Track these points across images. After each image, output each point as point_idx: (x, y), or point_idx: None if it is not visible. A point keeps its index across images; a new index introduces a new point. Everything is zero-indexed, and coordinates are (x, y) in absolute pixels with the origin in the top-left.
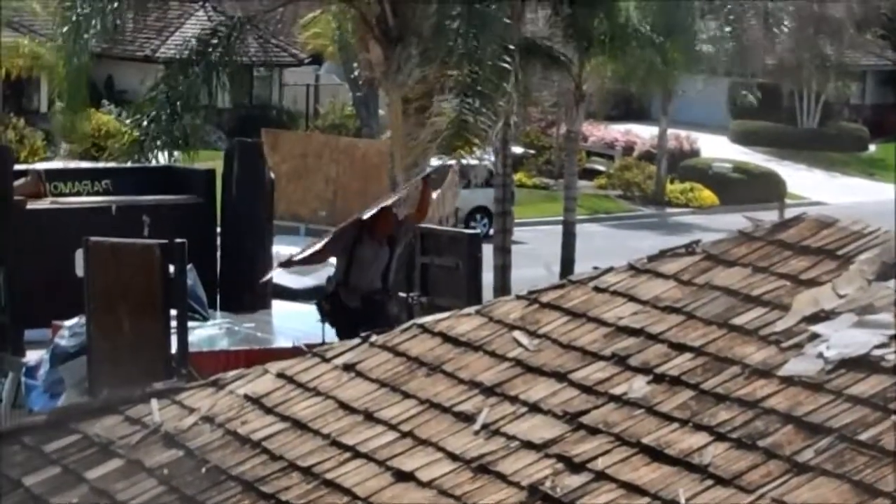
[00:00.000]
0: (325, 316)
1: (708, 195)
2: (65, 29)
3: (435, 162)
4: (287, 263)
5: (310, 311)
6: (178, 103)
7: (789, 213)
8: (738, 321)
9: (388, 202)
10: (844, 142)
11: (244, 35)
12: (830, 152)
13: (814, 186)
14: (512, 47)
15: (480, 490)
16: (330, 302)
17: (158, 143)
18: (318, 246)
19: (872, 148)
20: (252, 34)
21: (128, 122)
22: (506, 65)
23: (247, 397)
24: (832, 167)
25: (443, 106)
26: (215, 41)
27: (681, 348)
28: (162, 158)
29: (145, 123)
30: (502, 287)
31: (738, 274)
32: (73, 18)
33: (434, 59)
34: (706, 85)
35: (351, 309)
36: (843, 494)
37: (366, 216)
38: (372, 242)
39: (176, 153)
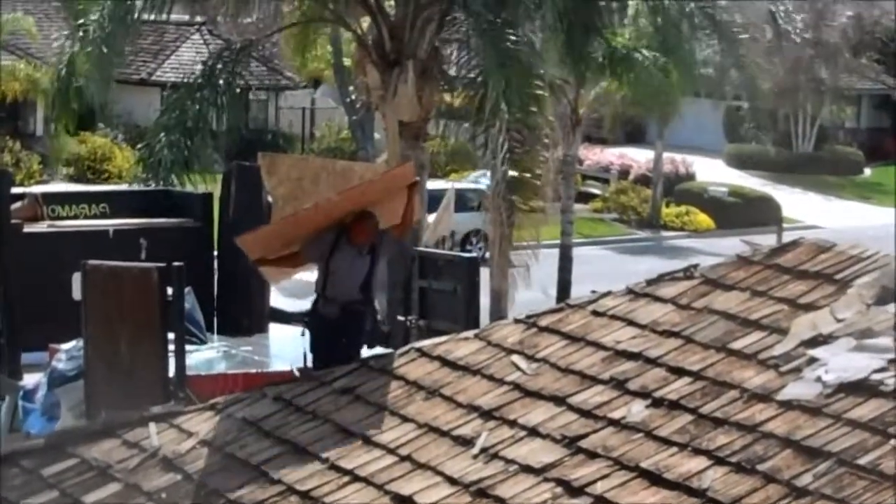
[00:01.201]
0: (305, 327)
1: (703, 219)
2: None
3: (431, 185)
4: (260, 262)
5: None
6: (189, 127)
7: (785, 237)
8: (736, 345)
9: (369, 207)
10: (840, 166)
11: (248, 59)
12: (826, 176)
13: (809, 210)
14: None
15: None
16: (309, 312)
17: (170, 166)
18: (296, 248)
19: (868, 172)
20: (249, 58)
21: (124, 145)
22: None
23: (245, 421)
24: (828, 191)
25: (441, 131)
26: (220, 66)
27: (679, 372)
28: (174, 181)
29: (157, 147)
30: (499, 311)
31: (736, 298)
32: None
33: (431, 83)
34: (702, 108)
35: (329, 319)
36: None
37: (347, 219)
38: (350, 249)
39: (187, 176)
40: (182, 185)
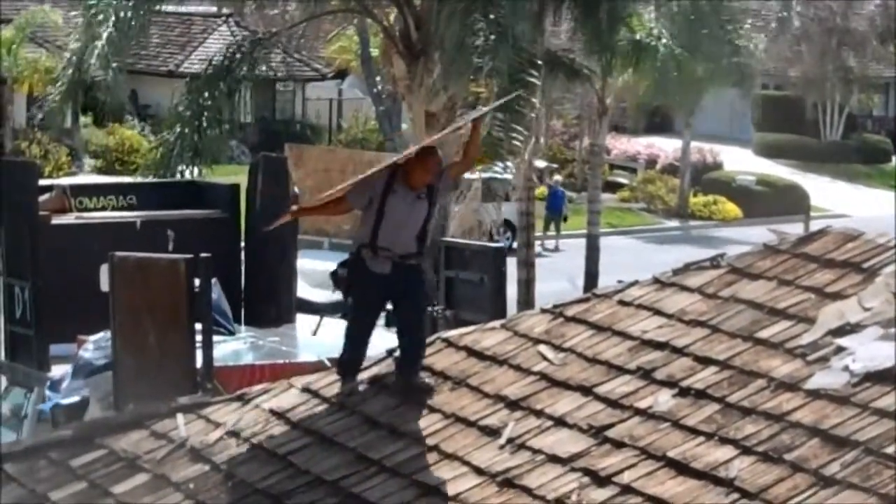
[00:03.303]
0: (342, 286)
1: (731, 208)
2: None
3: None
4: (297, 212)
5: (335, 324)
6: (203, 118)
7: (813, 226)
8: (763, 334)
9: (429, 142)
10: (868, 154)
11: (268, 50)
12: (854, 164)
13: (837, 199)
14: (538, 61)
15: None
16: (351, 268)
17: (184, 157)
18: (337, 191)
19: None
20: (275, 49)
21: (153, 137)
22: (532, 79)
23: (272, 412)
24: (856, 179)
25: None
26: (239, 56)
27: (706, 362)
28: (187, 173)
29: (171, 138)
30: (526, 301)
31: (763, 287)
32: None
33: (458, 73)
34: (730, 97)
35: (378, 276)
36: None
37: (401, 159)
38: (408, 193)
39: (200, 168)
40: (192, 176)
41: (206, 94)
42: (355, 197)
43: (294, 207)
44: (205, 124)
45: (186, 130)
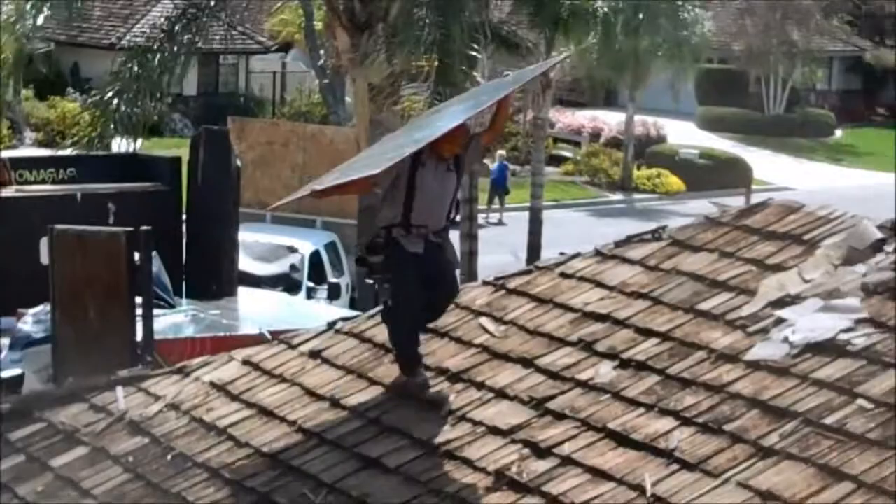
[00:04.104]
0: (376, 273)
1: (675, 181)
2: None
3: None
4: (319, 193)
5: (276, 297)
6: (139, 89)
7: (756, 199)
8: (704, 306)
9: (476, 115)
10: (811, 128)
11: (209, 21)
12: (797, 138)
13: (780, 172)
14: (480, 35)
15: (447, 476)
16: (385, 252)
17: (119, 129)
18: (358, 173)
19: (839, 134)
20: (218, 21)
21: (89, 108)
22: (475, 53)
23: (212, 384)
24: (798, 153)
25: (413, 97)
26: (178, 27)
27: (647, 333)
28: (123, 145)
29: (107, 109)
30: (469, 273)
31: (704, 259)
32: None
33: (401, 47)
34: (674, 71)
35: (412, 256)
36: (808, 478)
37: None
38: (438, 165)
39: (138, 140)
40: (129, 149)
41: (144, 65)
42: (383, 174)
43: (316, 188)
44: (141, 96)
45: (122, 101)
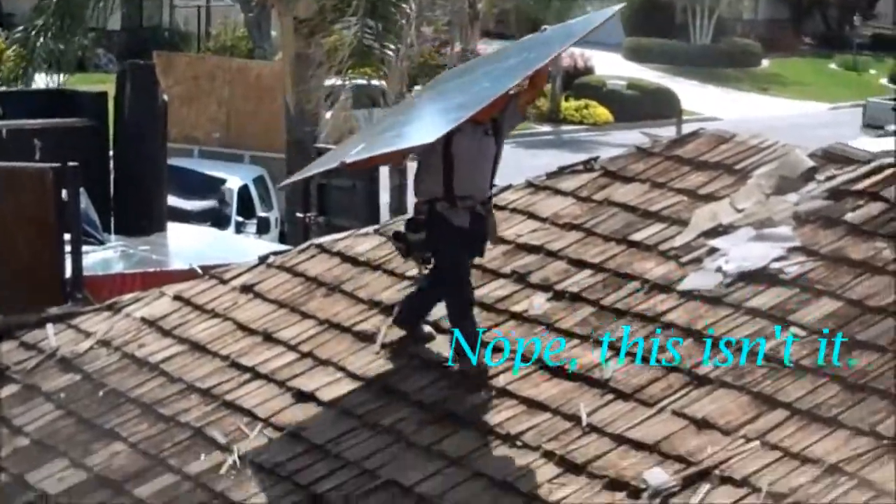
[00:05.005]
0: (413, 248)
1: (602, 112)
2: None
3: (329, 82)
4: (345, 166)
5: (206, 232)
6: (62, 24)
7: (684, 129)
8: (637, 237)
9: (524, 79)
10: (737, 58)
11: None
12: (724, 68)
13: (707, 102)
14: None
15: (382, 409)
16: (430, 228)
17: (43, 65)
18: (390, 146)
19: (765, 63)
20: None
21: (13, 45)
22: None
23: (144, 320)
24: (725, 83)
25: (343, 33)
26: None
27: (580, 265)
28: (47, 80)
29: (31, 45)
30: (399, 207)
31: (636, 190)
32: None
33: None
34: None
35: (457, 229)
36: (742, 406)
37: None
38: (475, 130)
39: (63, 76)
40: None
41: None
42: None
43: (347, 161)
44: (65, 31)
45: (45, 38)
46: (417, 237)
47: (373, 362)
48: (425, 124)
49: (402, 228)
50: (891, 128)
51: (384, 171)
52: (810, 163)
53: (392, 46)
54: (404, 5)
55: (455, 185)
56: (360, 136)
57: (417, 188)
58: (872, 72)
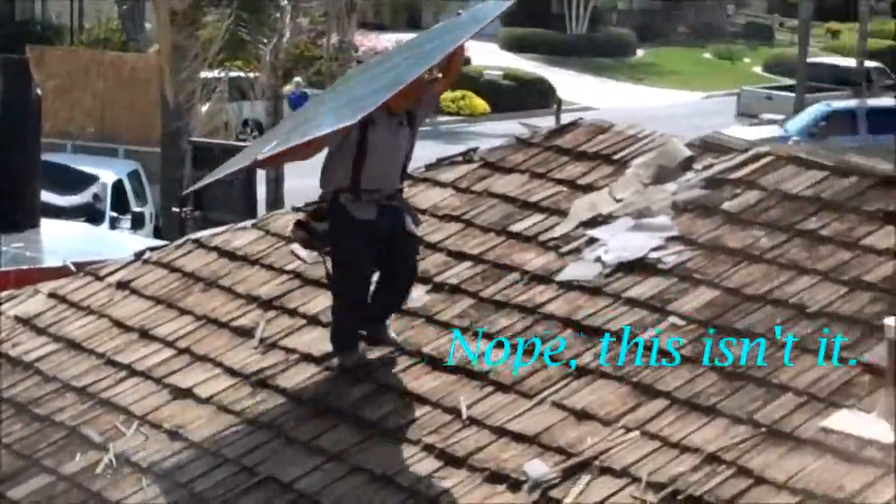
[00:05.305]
0: (313, 241)
1: (479, 103)
2: None
3: (204, 74)
4: (258, 164)
5: (81, 228)
6: None
7: (562, 119)
8: (516, 228)
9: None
10: (613, 47)
11: None
12: (599, 58)
13: (584, 92)
14: None
15: (261, 404)
16: (332, 219)
17: None
18: (304, 137)
19: (641, 53)
20: None
21: None
22: None
23: (17, 318)
24: (601, 73)
25: (217, 25)
26: None
27: (460, 256)
28: None
29: None
30: (275, 200)
31: (515, 181)
32: None
33: None
34: None
35: (363, 224)
36: (622, 396)
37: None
38: (389, 120)
39: None
40: None
41: None
42: (332, 135)
43: (259, 158)
44: None
45: None
46: (320, 227)
47: (251, 357)
48: (344, 110)
49: (303, 218)
50: (764, 116)
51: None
52: (688, 152)
53: (265, 39)
54: None
55: (363, 177)
56: (272, 133)
57: (323, 179)
58: (746, 60)
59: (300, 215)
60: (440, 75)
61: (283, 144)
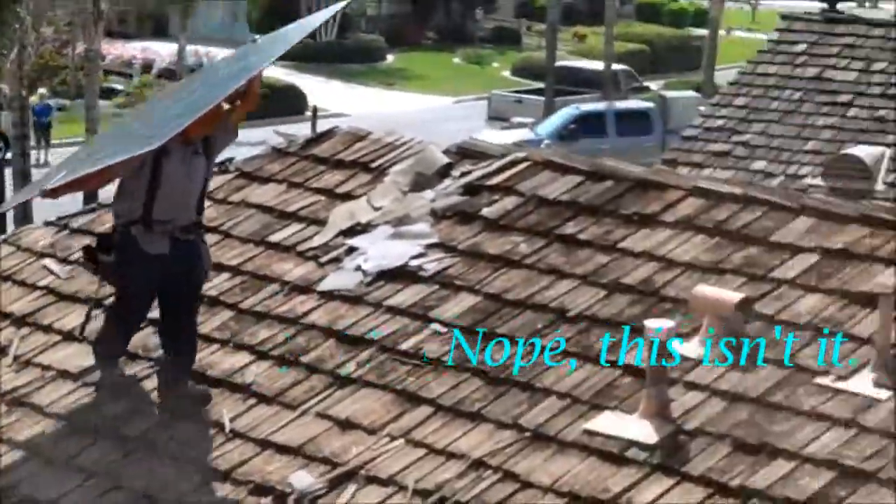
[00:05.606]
0: (107, 273)
1: None
2: None
3: None
4: (49, 194)
5: None
6: None
7: (313, 126)
8: (274, 238)
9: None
10: (363, 53)
11: None
12: (349, 64)
13: (334, 98)
14: None
15: (17, 423)
16: (119, 251)
17: None
18: (95, 165)
19: (390, 58)
20: None
21: None
22: None
23: None
24: (351, 78)
25: None
26: None
27: (218, 268)
28: None
29: None
30: (24, 214)
31: (273, 190)
32: None
33: None
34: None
35: (154, 258)
36: (386, 404)
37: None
38: (184, 150)
39: None
40: None
41: None
42: (123, 164)
43: (48, 188)
44: None
45: None
46: (108, 259)
47: (5, 375)
48: (138, 138)
49: (93, 245)
50: (515, 120)
51: (8, 181)
52: (445, 159)
53: (3, 51)
54: (19, 10)
55: (155, 208)
56: (63, 164)
57: (115, 210)
58: (495, 65)
59: (55, 231)
60: (239, 102)
61: (72, 174)
